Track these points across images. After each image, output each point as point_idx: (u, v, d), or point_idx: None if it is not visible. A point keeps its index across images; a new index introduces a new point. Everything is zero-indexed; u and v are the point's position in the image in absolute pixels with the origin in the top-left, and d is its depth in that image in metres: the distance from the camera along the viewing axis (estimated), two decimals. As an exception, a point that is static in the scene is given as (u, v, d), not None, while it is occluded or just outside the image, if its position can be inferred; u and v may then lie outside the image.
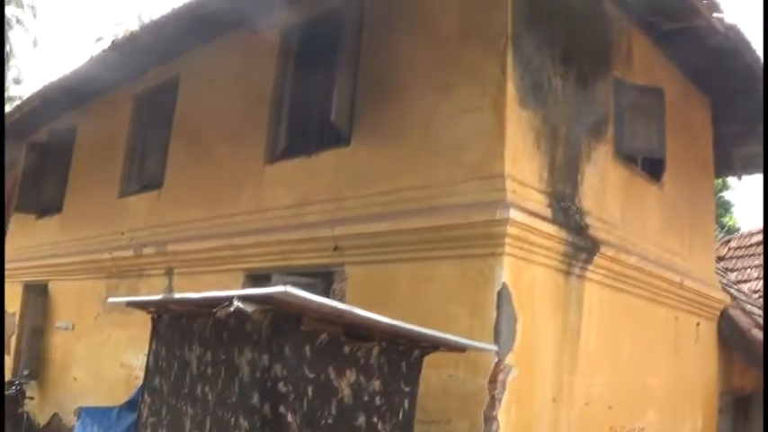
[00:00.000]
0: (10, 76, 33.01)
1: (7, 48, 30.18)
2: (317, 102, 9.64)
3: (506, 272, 7.55)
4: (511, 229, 7.53)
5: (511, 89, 7.96)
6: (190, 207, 11.58)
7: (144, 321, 7.88)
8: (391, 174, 8.69)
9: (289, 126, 10.49)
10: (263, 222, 9.95)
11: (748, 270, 16.98)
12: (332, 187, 9.34)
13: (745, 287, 15.97)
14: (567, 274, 8.52)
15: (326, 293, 8.55)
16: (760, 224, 18.82)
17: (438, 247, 8.02)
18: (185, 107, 12.42)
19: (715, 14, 9.63)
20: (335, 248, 8.87)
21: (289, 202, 9.83)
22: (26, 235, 16.42)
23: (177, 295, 8.20)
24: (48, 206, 15.87)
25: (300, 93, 10.38)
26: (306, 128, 10.16)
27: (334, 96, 8.98)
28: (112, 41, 13.52)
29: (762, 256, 17.06)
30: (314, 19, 10.26)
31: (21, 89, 32.61)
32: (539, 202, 8.16)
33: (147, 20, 28.85)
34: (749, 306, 14.07)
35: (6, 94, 28.66)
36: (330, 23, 9.74)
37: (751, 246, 17.80)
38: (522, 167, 8.05)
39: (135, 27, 28.36)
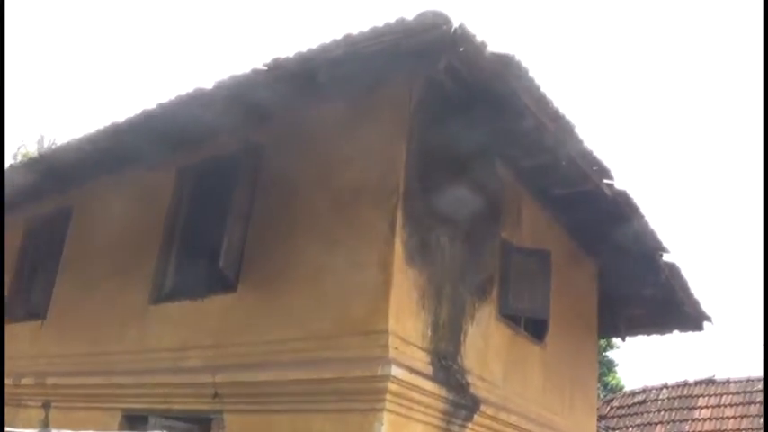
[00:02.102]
0: None
1: None
2: (208, 245, 9.66)
3: (386, 428, 7.54)
4: (392, 386, 7.58)
5: (399, 247, 8.11)
6: (72, 340, 11.31)
7: (19, 453, 7.63)
8: (276, 323, 8.69)
9: (177, 267, 10.46)
10: (145, 363, 9.76)
11: (630, 429, 17.30)
12: (216, 333, 9.28)
13: (626, 445, 16.21)
14: (447, 431, 8.54)
15: (204, 440, 8.42)
16: (642, 383, 19.27)
17: (319, 400, 8.03)
18: (76, 238, 12.27)
19: (605, 180, 9.97)
20: (215, 395, 8.75)
21: (172, 344, 9.70)
22: None
23: (54, 431, 8.03)
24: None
25: (191, 235, 10.40)
26: (194, 271, 10.15)
27: (223, 242, 9.03)
28: (10, 165, 13.39)
29: (640, 415, 17.46)
30: (210, 162, 10.36)
31: None
32: (421, 360, 8.22)
33: (47, 143, 28.71)
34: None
35: None
36: (226, 168, 9.84)
37: (633, 405, 18.17)
38: (406, 325, 8.14)
39: (34, 150, 28.18)
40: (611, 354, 31.85)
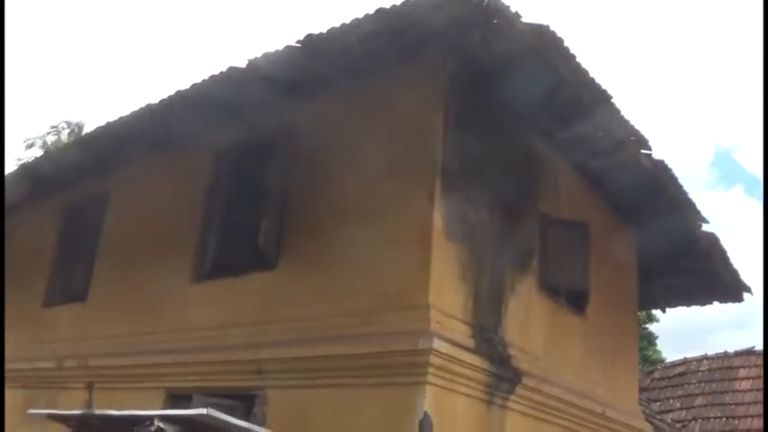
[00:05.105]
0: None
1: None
2: (246, 225, 9.66)
3: (428, 401, 7.52)
4: (434, 359, 7.56)
5: (438, 221, 8.09)
6: (113, 322, 11.38)
7: (63, 436, 7.69)
8: (316, 300, 8.70)
9: (217, 247, 10.43)
10: (187, 342, 9.79)
11: (671, 401, 17.19)
12: (257, 310, 9.29)
13: (668, 417, 16.14)
14: (490, 403, 8.54)
15: (247, 416, 8.42)
16: (683, 355, 19.15)
17: (360, 375, 8.03)
18: (114, 222, 12.35)
19: (642, 150, 9.89)
20: (258, 372, 8.79)
21: (213, 322, 9.73)
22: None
23: (98, 411, 8.11)
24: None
25: (230, 215, 10.39)
26: (234, 250, 10.15)
27: (262, 221, 9.07)
28: (45, 153, 13.48)
29: (681, 387, 17.36)
30: (247, 141, 10.36)
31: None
32: (462, 333, 8.20)
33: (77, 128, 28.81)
34: (671, 436, 14.22)
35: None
36: (263, 147, 9.90)
37: (674, 377, 18.05)
38: (447, 298, 8.12)
39: (66, 135, 28.30)
40: (651, 327, 31.64)
